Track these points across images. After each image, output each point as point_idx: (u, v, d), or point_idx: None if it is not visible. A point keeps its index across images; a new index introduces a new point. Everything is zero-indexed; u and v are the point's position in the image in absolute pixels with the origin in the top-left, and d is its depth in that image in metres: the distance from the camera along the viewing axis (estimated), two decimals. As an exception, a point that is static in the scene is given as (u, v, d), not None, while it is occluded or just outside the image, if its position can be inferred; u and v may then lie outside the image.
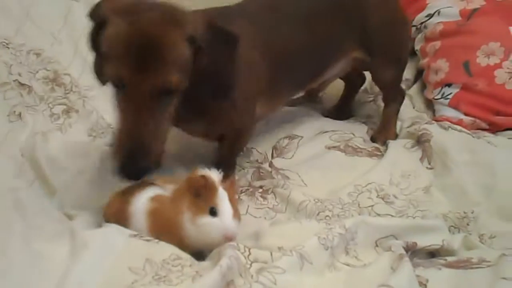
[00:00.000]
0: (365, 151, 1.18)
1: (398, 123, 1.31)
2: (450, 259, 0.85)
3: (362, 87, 1.43)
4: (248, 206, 0.99)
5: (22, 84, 1.16)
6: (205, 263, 0.76)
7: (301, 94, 1.36)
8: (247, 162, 1.14)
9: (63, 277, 0.69)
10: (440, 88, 1.38)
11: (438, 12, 1.46)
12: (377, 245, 0.86)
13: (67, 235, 0.78)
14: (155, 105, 0.81)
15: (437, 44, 1.42)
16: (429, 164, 1.13)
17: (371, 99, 1.44)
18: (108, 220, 0.85)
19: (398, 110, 1.30)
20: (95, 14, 0.85)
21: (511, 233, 0.96)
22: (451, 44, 1.40)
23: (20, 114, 1.12)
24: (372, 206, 1.01)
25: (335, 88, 1.42)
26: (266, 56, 1.02)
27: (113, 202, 0.86)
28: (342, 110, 1.41)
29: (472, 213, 1.00)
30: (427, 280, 0.77)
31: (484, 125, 1.32)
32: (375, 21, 1.16)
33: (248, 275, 0.72)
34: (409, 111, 1.40)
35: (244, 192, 1.03)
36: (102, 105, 1.16)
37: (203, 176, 0.79)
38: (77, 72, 1.23)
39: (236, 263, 0.72)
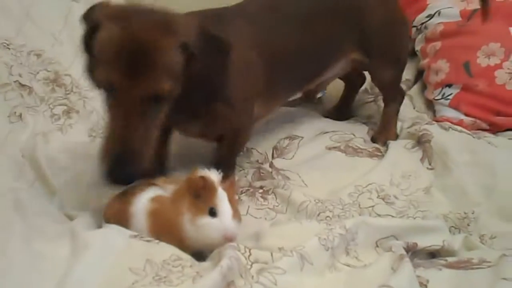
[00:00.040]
0: (365, 151, 1.18)
1: (399, 124, 1.31)
2: (450, 259, 0.85)
3: (362, 88, 1.44)
4: (249, 207, 0.99)
5: (23, 85, 1.16)
6: (205, 264, 0.76)
7: (298, 95, 1.36)
8: (248, 162, 1.14)
9: (64, 278, 0.69)
10: (440, 89, 1.38)
11: (439, 12, 1.46)
12: (377, 246, 0.86)
13: (68, 235, 0.78)
14: (145, 111, 0.81)
15: (438, 44, 1.42)
16: (430, 164, 1.13)
17: (371, 99, 1.44)
18: (108, 221, 0.85)
19: (398, 110, 1.30)
20: (88, 17, 0.85)
21: (511, 234, 0.96)
22: (452, 44, 1.40)
23: (20, 115, 1.12)
24: (373, 206, 1.01)
25: (335, 88, 1.43)
26: (264, 57, 1.02)
27: (113, 203, 0.86)
28: (342, 111, 1.41)
29: (472, 213, 1.00)
30: (427, 281, 0.77)
31: (484, 125, 1.32)
32: (374, 22, 1.16)
33: (249, 276, 0.72)
34: (410, 111, 1.40)
35: (244, 192, 1.03)
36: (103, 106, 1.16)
37: (203, 177, 0.79)
38: (77, 73, 1.23)
39: (237, 263, 0.72)
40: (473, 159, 1.10)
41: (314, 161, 1.14)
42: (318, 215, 0.96)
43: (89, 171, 0.99)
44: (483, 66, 1.35)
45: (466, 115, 1.33)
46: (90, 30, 0.83)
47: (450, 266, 0.82)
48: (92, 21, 0.83)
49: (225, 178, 0.84)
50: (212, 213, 0.78)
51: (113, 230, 0.79)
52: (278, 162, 1.13)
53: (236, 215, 0.81)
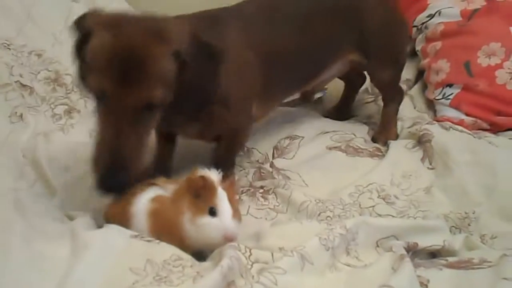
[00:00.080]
0: (366, 151, 1.18)
1: (399, 123, 1.31)
2: (451, 259, 0.85)
3: (363, 87, 1.43)
4: (249, 207, 0.99)
5: (24, 85, 1.17)
6: (206, 264, 0.76)
7: (296, 96, 1.36)
8: (248, 162, 1.14)
9: (64, 277, 0.69)
10: (441, 89, 1.38)
11: (439, 12, 1.46)
12: (378, 246, 0.86)
13: (68, 235, 0.78)
14: (137, 119, 0.81)
15: (438, 44, 1.42)
16: (430, 164, 1.13)
17: (371, 99, 1.44)
18: (108, 221, 0.85)
19: (397, 110, 1.30)
20: (80, 25, 0.85)
21: (512, 234, 0.96)
22: (452, 44, 1.40)
23: (21, 115, 1.12)
24: (373, 206, 1.01)
25: (336, 88, 1.43)
26: (261, 58, 1.02)
27: (113, 203, 0.86)
28: (342, 111, 1.41)
29: (473, 213, 1.00)
30: (428, 281, 0.77)
31: (485, 125, 1.32)
32: (373, 23, 1.16)
33: (249, 276, 0.72)
34: (410, 111, 1.39)
35: (245, 192, 1.03)
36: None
37: (202, 177, 0.79)
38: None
39: (237, 263, 0.72)
40: (473, 159, 1.10)
41: (315, 161, 1.14)
42: (319, 215, 0.96)
43: (90, 171, 0.99)
44: (484, 66, 1.34)
45: (467, 115, 1.33)
46: (82, 37, 0.83)
47: (450, 266, 0.82)
48: (84, 29, 0.83)
49: (224, 178, 0.84)
50: (212, 212, 0.78)
51: (113, 230, 0.79)
52: (278, 162, 1.13)
53: (236, 214, 0.81)
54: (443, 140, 1.15)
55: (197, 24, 0.95)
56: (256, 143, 1.18)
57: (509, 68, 1.33)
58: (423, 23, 1.49)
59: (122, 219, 0.83)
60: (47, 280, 0.69)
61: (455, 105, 1.34)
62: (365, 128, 1.31)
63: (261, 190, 1.03)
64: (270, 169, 1.11)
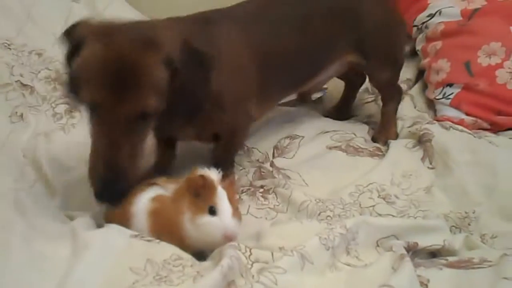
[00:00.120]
0: (366, 151, 1.18)
1: (400, 123, 1.31)
2: (451, 259, 0.85)
3: (363, 87, 1.43)
4: (249, 206, 0.99)
5: (24, 85, 1.17)
6: (206, 263, 0.76)
7: (293, 96, 1.36)
8: (248, 161, 1.14)
9: (64, 277, 0.69)
10: (441, 88, 1.38)
11: (439, 12, 1.46)
12: (378, 245, 0.86)
13: (68, 235, 0.79)
14: (132, 129, 0.81)
15: (438, 44, 1.42)
16: (431, 164, 1.13)
17: (372, 99, 1.44)
18: (109, 221, 0.85)
19: (396, 109, 1.30)
20: (70, 35, 0.85)
21: (512, 233, 0.96)
22: (452, 44, 1.40)
23: (22, 115, 1.12)
24: (373, 206, 1.01)
25: (336, 88, 1.43)
26: (256, 58, 1.02)
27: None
28: (342, 110, 1.41)
29: (473, 213, 1.00)
30: (428, 280, 0.77)
31: (485, 125, 1.32)
32: (370, 24, 1.16)
33: (249, 275, 0.72)
34: (411, 111, 1.39)
35: (245, 192, 1.03)
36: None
37: (202, 176, 0.79)
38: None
39: (237, 263, 0.72)
40: (474, 158, 1.10)
41: (315, 160, 1.14)
42: (319, 214, 0.96)
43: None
44: (484, 65, 1.34)
45: (467, 114, 1.33)
46: (73, 48, 0.83)
47: (451, 265, 0.82)
48: (75, 39, 0.82)
49: (224, 177, 0.84)
50: (212, 211, 0.78)
51: (113, 230, 0.79)
52: (279, 161, 1.13)
53: (236, 214, 0.81)
54: (443, 140, 1.15)
55: (190, 27, 0.96)
56: (256, 143, 1.18)
57: (509, 68, 1.33)
58: (423, 23, 1.49)
59: (123, 219, 0.83)
60: (47, 280, 0.69)
61: (455, 105, 1.34)
62: (365, 127, 1.31)
63: (261, 190, 1.03)
64: (270, 169, 1.11)
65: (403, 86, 1.43)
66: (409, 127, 1.28)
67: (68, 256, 0.74)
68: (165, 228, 0.79)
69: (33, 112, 1.14)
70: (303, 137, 1.20)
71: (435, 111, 1.39)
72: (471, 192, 1.04)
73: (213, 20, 1.00)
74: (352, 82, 1.40)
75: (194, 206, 0.78)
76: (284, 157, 1.14)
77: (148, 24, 0.90)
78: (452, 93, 1.35)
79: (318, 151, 1.16)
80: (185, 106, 0.86)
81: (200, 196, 0.79)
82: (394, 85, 1.29)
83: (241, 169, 1.12)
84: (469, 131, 1.21)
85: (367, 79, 1.41)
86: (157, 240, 0.77)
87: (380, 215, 0.99)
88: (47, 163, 1.02)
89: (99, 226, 0.83)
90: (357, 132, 1.24)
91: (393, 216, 0.99)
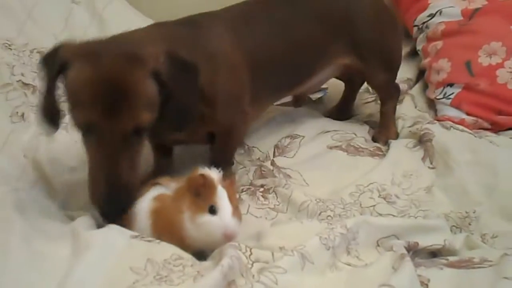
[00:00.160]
0: (366, 150, 1.18)
1: (400, 123, 1.31)
2: (452, 259, 0.85)
3: (363, 87, 1.43)
4: (249, 206, 0.99)
5: (26, 84, 1.17)
6: (206, 263, 0.76)
7: (288, 98, 1.35)
8: (249, 160, 1.14)
9: (65, 277, 0.69)
10: (442, 88, 1.37)
11: (440, 12, 1.46)
12: (378, 245, 0.86)
13: (69, 235, 0.79)
14: (128, 145, 0.81)
15: (439, 44, 1.42)
16: (431, 163, 1.13)
17: (372, 99, 1.44)
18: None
19: (395, 108, 1.30)
20: (51, 59, 0.83)
21: (513, 233, 0.96)
22: (453, 44, 1.40)
23: (23, 115, 1.12)
24: (374, 206, 1.01)
25: (336, 88, 1.42)
26: (246, 60, 1.02)
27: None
28: (343, 111, 1.40)
29: (474, 212, 1.00)
30: (428, 280, 0.77)
31: (486, 124, 1.32)
32: (363, 27, 1.16)
33: (250, 275, 0.72)
34: (411, 110, 1.39)
35: (245, 191, 1.03)
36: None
37: (202, 175, 0.80)
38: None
39: (238, 263, 0.72)
40: (474, 158, 1.10)
41: (316, 160, 1.13)
42: (319, 214, 0.96)
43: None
44: (485, 65, 1.34)
45: (468, 114, 1.33)
46: (56, 71, 0.82)
47: (451, 265, 0.82)
48: (58, 62, 0.81)
49: (224, 176, 0.84)
50: (212, 210, 0.78)
51: (114, 230, 0.79)
52: (279, 161, 1.13)
53: (236, 213, 0.81)
54: (444, 140, 1.15)
55: (176, 31, 0.96)
56: (257, 142, 1.18)
57: (510, 68, 1.33)
58: (424, 23, 1.49)
59: (125, 219, 0.83)
60: (47, 280, 0.69)
61: (456, 105, 1.34)
62: (366, 127, 1.31)
63: (261, 189, 1.03)
64: (271, 167, 1.11)
65: (404, 86, 1.43)
66: (409, 127, 1.28)
67: (68, 256, 0.74)
68: (165, 227, 0.80)
69: (35, 111, 1.14)
70: (303, 136, 1.20)
71: (435, 111, 1.39)
72: (472, 192, 1.04)
73: (201, 23, 1.01)
74: (352, 83, 1.40)
75: (194, 206, 0.78)
76: (285, 156, 1.14)
77: (131, 38, 0.90)
78: (452, 93, 1.35)
79: (319, 151, 1.16)
80: (176, 116, 0.86)
81: (201, 196, 0.79)
82: (392, 85, 1.29)
83: (241, 168, 1.12)
84: (470, 131, 1.21)
85: (367, 80, 1.41)
86: (158, 240, 0.77)
87: (380, 215, 0.99)
88: (48, 163, 1.02)
89: (100, 226, 0.84)
90: (357, 132, 1.24)
91: (394, 216, 0.99)
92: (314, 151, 1.16)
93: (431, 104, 1.41)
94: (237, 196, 0.96)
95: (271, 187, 1.03)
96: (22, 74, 1.18)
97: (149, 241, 0.77)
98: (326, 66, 1.18)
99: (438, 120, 1.28)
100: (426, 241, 0.87)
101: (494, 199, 1.02)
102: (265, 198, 1.01)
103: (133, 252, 0.74)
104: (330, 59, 1.18)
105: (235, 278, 0.71)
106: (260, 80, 1.05)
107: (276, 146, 1.17)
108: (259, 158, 1.14)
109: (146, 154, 0.95)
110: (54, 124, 0.86)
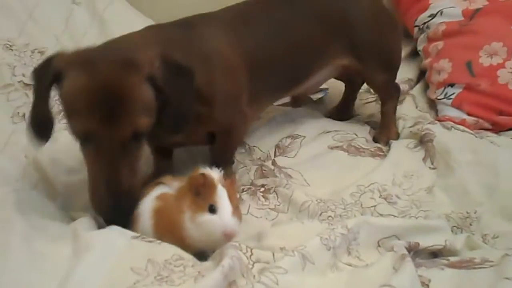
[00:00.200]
0: (367, 151, 1.18)
1: (401, 123, 1.31)
2: (452, 259, 0.85)
3: (364, 87, 1.43)
4: (250, 206, 0.99)
5: (27, 84, 1.17)
6: (207, 263, 0.76)
7: (287, 99, 1.35)
8: (250, 160, 1.14)
9: (65, 278, 0.69)
10: (443, 88, 1.37)
11: (441, 12, 1.46)
12: (379, 245, 0.86)
13: (70, 236, 0.79)
14: (127, 151, 0.81)
15: (440, 44, 1.42)
16: (432, 164, 1.13)
17: (373, 99, 1.43)
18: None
19: (395, 107, 1.30)
20: (44, 70, 0.83)
21: (514, 233, 0.96)
22: (454, 44, 1.40)
23: (24, 115, 1.12)
24: (375, 206, 1.01)
25: (337, 89, 1.42)
26: (243, 60, 1.02)
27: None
28: (343, 111, 1.40)
29: (475, 213, 1.00)
30: (429, 280, 0.77)
31: (487, 125, 1.31)
32: (361, 28, 1.16)
33: (250, 275, 0.72)
34: (412, 111, 1.39)
35: (245, 191, 1.03)
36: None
37: (203, 174, 0.80)
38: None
39: (238, 263, 0.72)
40: (475, 158, 1.10)
41: (317, 160, 1.13)
42: (320, 214, 0.96)
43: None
44: (486, 65, 1.34)
45: (469, 114, 1.33)
46: (51, 81, 0.82)
47: (452, 265, 0.82)
48: (52, 72, 0.81)
49: (225, 176, 0.84)
50: (212, 210, 0.78)
51: (114, 231, 0.79)
52: (280, 160, 1.13)
53: (237, 212, 0.81)
54: (444, 140, 1.14)
55: (172, 33, 0.96)
56: (258, 142, 1.18)
57: (511, 68, 1.33)
58: (424, 23, 1.49)
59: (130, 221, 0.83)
60: (47, 280, 0.70)
61: (457, 105, 1.34)
62: (367, 127, 1.31)
63: (262, 189, 1.03)
64: (272, 167, 1.11)
65: (405, 86, 1.43)
66: (410, 127, 1.27)
67: (69, 257, 0.74)
68: (167, 227, 0.80)
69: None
70: (304, 136, 1.20)
71: (436, 111, 1.39)
72: (473, 192, 1.03)
73: (196, 24, 1.00)
74: (352, 83, 1.40)
75: (194, 205, 0.78)
76: (286, 156, 1.14)
77: (125, 43, 0.90)
78: (453, 93, 1.35)
79: (320, 151, 1.16)
80: (173, 119, 0.86)
81: (201, 195, 0.79)
82: (391, 85, 1.28)
83: (242, 167, 1.12)
84: (471, 131, 1.20)
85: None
86: (158, 241, 0.78)
87: (381, 215, 0.99)
88: (49, 164, 1.02)
89: (101, 227, 0.84)
90: (358, 132, 1.24)
91: (395, 216, 0.99)
92: (315, 151, 1.16)
93: (432, 105, 1.41)
94: (238, 195, 0.96)
95: (272, 187, 1.03)
96: (23, 75, 1.18)
97: (149, 241, 0.77)
98: (324, 66, 1.18)
99: (439, 121, 1.28)
100: (427, 241, 0.87)
101: (495, 199, 1.02)
102: (265, 198, 1.01)
103: (134, 252, 0.74)
104: (328, 59, 1.18)
105: (236, 278, 0.71)
106: (259, 80, 1.05)
107: (277, 146, 1.17)
108: (260, 158, 1.14)
109: (145, 156, 0.95)
110: (45, 135, 0.85)
